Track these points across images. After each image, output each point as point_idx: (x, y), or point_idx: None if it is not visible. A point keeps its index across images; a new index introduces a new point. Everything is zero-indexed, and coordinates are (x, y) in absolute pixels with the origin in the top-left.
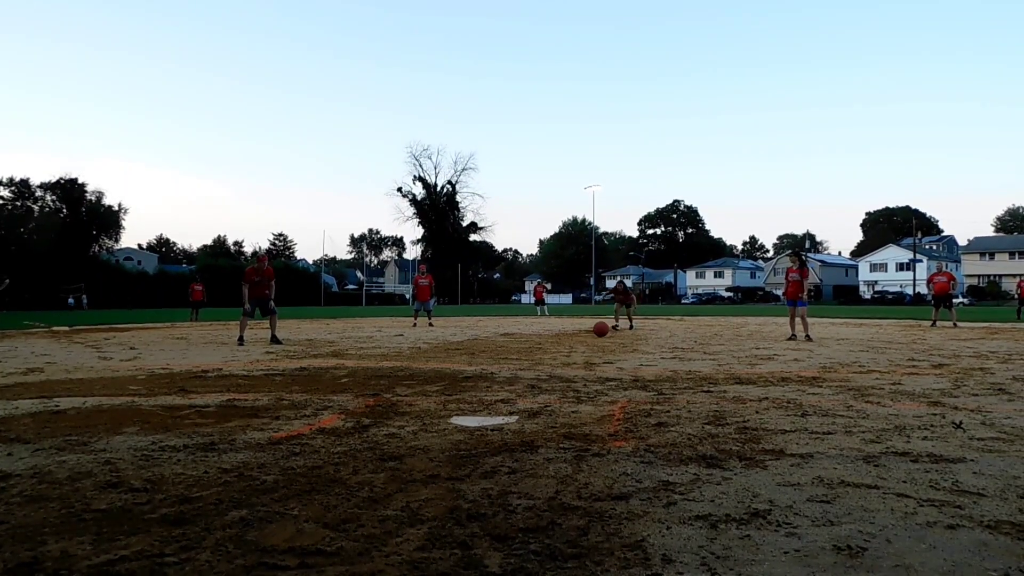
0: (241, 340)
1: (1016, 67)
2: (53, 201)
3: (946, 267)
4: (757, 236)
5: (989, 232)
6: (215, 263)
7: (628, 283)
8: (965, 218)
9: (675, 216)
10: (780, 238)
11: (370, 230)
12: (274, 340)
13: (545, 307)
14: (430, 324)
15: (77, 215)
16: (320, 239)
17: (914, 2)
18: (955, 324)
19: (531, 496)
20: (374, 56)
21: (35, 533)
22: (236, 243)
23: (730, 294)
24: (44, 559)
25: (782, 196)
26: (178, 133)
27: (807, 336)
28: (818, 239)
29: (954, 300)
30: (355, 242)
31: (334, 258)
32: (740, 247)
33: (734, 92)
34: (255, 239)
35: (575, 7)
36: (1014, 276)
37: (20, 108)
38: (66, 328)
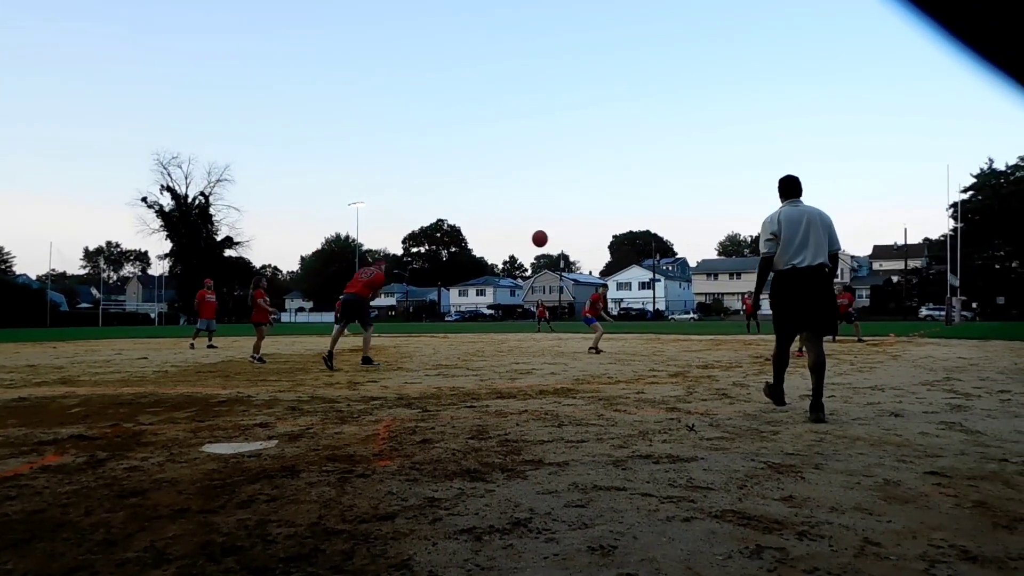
0: None
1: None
2: None
3: (845, 290)
4: (516, 256)
5: (713, 255)
6: None
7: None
8: (695, 242)
9: (439, 235)
10: (537, 258)
11: (109, 243)
12: None
13: (550, 324)
14: (210, 344)
15: None
16: (47, 252)
17: (658, 42)
18: (860, 339)
19: (292, 523)
20: (118, 51)
21: None
22: None
23: (492, 311)
24: None
25: (539, 218)
26: None
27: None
28: (572, 259)
29: (853, 318)
30: (90, 256)
31: (63, 273)
32: (501, 266)
33: (496, 115)
34: None
35: (343, 18)
36: (734, 294)
37: None
38: None
